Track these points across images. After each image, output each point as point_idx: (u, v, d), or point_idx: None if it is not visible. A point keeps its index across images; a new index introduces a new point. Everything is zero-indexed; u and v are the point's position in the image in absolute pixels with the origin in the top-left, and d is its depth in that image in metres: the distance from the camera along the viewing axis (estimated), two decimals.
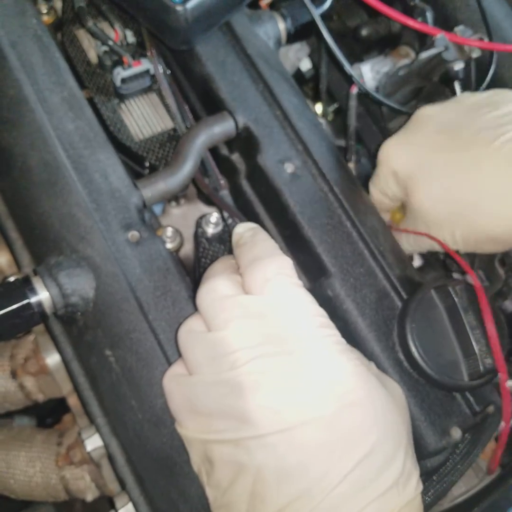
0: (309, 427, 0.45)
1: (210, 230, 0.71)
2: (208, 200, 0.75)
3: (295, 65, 0.90)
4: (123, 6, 0.67)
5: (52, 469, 0.65)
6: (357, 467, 0.44)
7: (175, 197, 0.76)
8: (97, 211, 0.57)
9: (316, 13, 0.71)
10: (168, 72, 0.73)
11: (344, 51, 0.71)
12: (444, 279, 0.59)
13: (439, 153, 0.61)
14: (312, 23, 0.74)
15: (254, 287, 0.49)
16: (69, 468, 0.65)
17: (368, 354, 0.56)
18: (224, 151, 0.69)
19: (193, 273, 0.72)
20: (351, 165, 0.76)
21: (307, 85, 0.97)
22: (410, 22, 0.73)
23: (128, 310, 0.55)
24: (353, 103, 0.75)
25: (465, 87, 0.71)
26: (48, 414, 0.87)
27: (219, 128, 0.64)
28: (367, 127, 0.84)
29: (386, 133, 0.82)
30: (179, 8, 0.60)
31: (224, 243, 0.70)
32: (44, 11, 0.76)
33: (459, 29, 0.73)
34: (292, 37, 0.76)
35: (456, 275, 0.70)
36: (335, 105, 0.93)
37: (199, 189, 0.75)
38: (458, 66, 0.71)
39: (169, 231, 0.68)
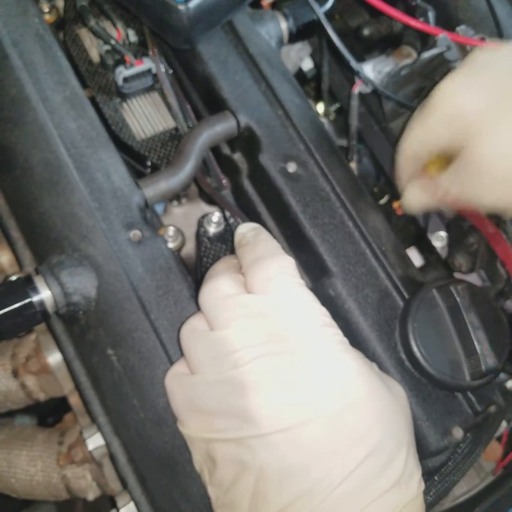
0: (312, 426, 0.45)
1: (212, 230, 0.71)
2: (210, 199, 0.75)
3: (297, 65, 0.90)
4: (125, 5, 0.67)
5: (53, 468, 0.65)
6: (360, 466, 0.44)
7: (176, 197, 0.76)
8: (99, 210, 0.57)
9: (320, 11, 0.71)
10: (170, 71, 0.73)
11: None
12: (446, 279, 0.59)
13: None
14: (314, 22, 0.74)
15: (257, 287, 0.49)
16: (71, 467, 0.65)
17: (370, 354, 0.56)
18: (226, 150, 0.69)
19: (195, 272, 0.72)
20: (352, 164, 0.76)
21: (309, 84, 0.97)
22: (412, 22, 0.73)
23: (130, 309, 0.55)
24: (355, 103, 0.75)
25: None
26: (50, 413, 0.87)
27: (221, 128, 0.64)
28: (369, 127, 0.83)
29: (388, 133, 0.82)
30: (181, 7, 0.60)
31: (226, 243, 0.70)
32: (46, 10, 0.75)
33: (461, 28, 0.72)
34: (294, 37, 0.76)
35: (458, 275, 0.70)
36: (337, 105, 0.93)
37: (201, 189, 0.75)
38: None
39: (171, 230, 0.68)
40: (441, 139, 0.56)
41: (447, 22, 0.76)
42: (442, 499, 0.59)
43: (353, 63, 0.71)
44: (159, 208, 0.75)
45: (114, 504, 0.58)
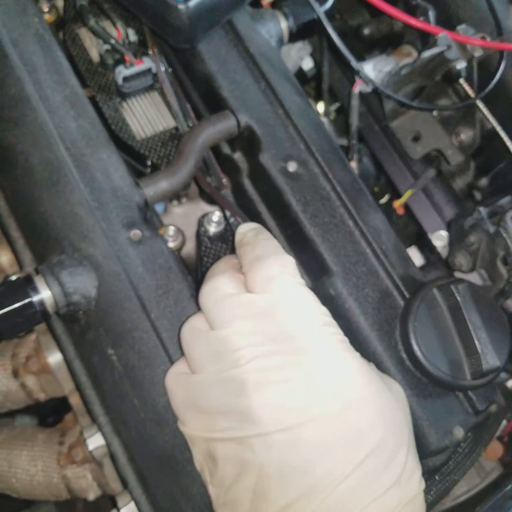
0: (313, 425, 0.45)
1: (212, 229, 0.71)
2: (210, 199, 0.75)
3: (297, 64, 0.90)
4: (125, 5, 0.67)
5: (54, 468, 0.65)
6: (361, 465, 0.44)
7: (177, 196, 0.76)
8: (99, 209, 0.57)
9: (320, 10, 0.71)
10: (170, 70, 0.73)
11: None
12: (446, 278, 0.59)
13: None
14: (314, 21, 0.74)
15: (257, 286, 0.49)
16: (71, 467, 0.65)
17: (370, 353, 0.56)
18: (226, 150, 0.68)
19: (195, 272, 0.72)
20: (353, 164, 0.76)
21: (309, 84, 0.97)
22: (412, 21, 0.73)
23: (130, 309, 0.55)
24: (355, 102, 0.75)
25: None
26: (50, 413, 0.87)
27: (221, 127, 0.64)
28: (369, 126, 0.83)
29: (388, 132, 0.82)
30: (181, 6, 0.60)
31: (226, 242, 0.70)
32: (46, 9, 0.76)
33: (461, 28, 0.73)
34: (294, 36, 0.76)
35: (458, 274, 0.70)
36: (337, 104, 0.93)
37: (201, 188, 0.75)
38: (461, 65, 0.71)
39: (171, 230, 0.68)
40: None
41: (448, 21, 0.76)
42: (442, 498, 0.59)
43: (353, 62, 0.71)
44: (159, 208, 0.74)
45: (114, 504, 0.58)
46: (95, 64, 0.73)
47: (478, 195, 0.82)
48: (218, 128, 0.64)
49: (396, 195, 0.82)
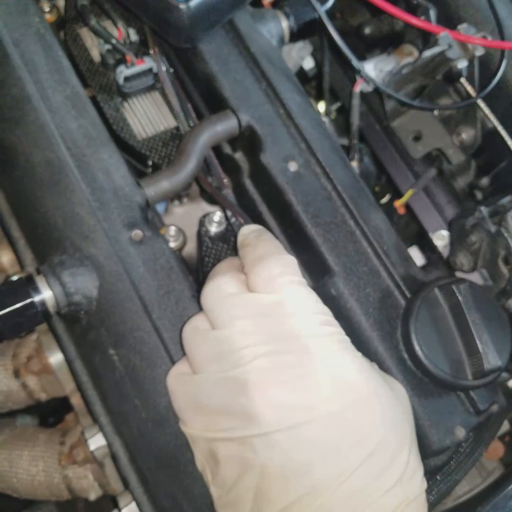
0: (315, 424, 0.45)
1: (213, 229, 0.71)
2: (211, 199, 0.75)
3: (298, 64, 0.90)
4: (126, 4, 0.67)
5: (55, 468, 0.65)
6: (363, 465, 0.44)
7: (178, 196, 0.76)
8: (100, 210, 0.57)
9: (321, 9, 0.71)
10: (171, 70, 0.73)
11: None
12: (447, 278, 0.58)
13: None
14: (315, 21, 0.74)
15: (259, 286, 0.49)
16: (72, 467, 0.65)
17: (371, 353, 0.56)
18: (227, 149, 0.68)
19: (196, 272, 0.72)
20: (354, 163, 0.76)
21: (310, 83, 0.97)
22: (413, 20, 0.73)
23: (132, 309, 0.55)
24: (356, 102, 0.75)
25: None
26: (51, 413, 0.87)
27: (222, 127, 0.64)
28: (370, 125, 0.83)
29: (389, 132, 0.82)
30: (182, 6, 0.60)
31: (227, 242, 0.70)
32: (47, 9, 0.76)
33: (462, 27, 0.72)
34: (295, 36, 0.76)
35: (459, 274, 0.70)
36: (338, 104, 0.93)
37: (202, 188, 0.75)
38: (462, 64, 0.71)
39: (172, 230, 0.68)
40: None
41: (449, 20, 0.76)
42: (444, 498, 0.59)
43: (354, 61, 0.71)
44: (160, 208, 0.74)
45: (115, 504, 0.58)
46: (96, 64, 0.73)
47: (479, 195, 0.82)
48: (219, 128, 0.64)
49: (397, 194, 0.82)
